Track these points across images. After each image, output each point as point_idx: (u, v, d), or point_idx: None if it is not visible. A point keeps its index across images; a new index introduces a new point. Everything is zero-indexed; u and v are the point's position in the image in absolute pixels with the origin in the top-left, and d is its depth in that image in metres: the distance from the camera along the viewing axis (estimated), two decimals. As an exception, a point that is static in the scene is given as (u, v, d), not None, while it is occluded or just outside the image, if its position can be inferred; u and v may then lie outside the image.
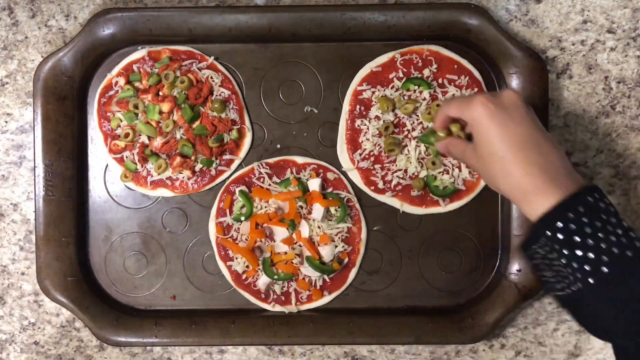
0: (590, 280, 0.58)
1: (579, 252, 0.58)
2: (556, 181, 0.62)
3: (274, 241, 0.85)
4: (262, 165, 0.86)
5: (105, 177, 0.87)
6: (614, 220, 0.60)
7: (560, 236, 0.59)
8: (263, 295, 0.85)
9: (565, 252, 0.59)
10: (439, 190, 0.84)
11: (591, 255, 0.58)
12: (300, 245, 0.84)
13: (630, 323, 0.58)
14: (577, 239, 0.59)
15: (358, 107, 0.85)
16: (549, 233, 0.60)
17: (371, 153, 0.85)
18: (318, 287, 0.85)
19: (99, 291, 0.87)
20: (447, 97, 0.82)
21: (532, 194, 0.62)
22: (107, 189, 0.87)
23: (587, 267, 0.58)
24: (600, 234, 0.58)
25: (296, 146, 0.86)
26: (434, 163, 0.83)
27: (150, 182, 0.85)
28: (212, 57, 0.85)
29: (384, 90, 0.84)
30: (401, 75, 0.84)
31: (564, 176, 0.62)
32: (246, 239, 0.85)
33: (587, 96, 0.86)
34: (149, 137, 0.85)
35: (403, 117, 0.84)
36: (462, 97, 0.70)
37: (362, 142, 0.85)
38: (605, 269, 0.57)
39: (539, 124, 0.66)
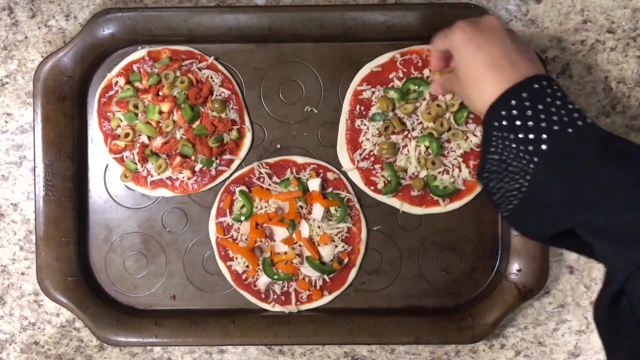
0: (535, 159, 0.59)
1: (520, 135, 0.60)
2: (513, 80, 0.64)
3: (274, 241, 0.85)
4: (262, 165, 0.86)
5: (105, 177, 0.87)
6: (559, 103, 0.61)
7: (504, 123, 0.61)
8: (263, 295, 0.85)
9: (511, 136, 0.61)
10: (439, 190, 0.84)
11: (531, 135, 0.59)
12: (300, 245, 0.84)
13: (578, 201, 0.57)
14: (518, 122, 0.60)
15: (358, 107, 0.85)
16: (495, 124, 0.62)
17: (371, 153, 0.85)
18: (318, 287, 0.85)
19: (99, 291, 0.87)
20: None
21: None
22: (107, 189, 0.87)
23: (530, 147, 0.59)
24: (542, 115, 0.59)
25: (296, 146, 0.86)
26: (433, 163, 0.83)
27: (150, 182, 0.85)
28: (212, 57, 0.85)
29: (390, 85, 0.84)
30: (401, 75, 0.84)
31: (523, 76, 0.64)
32: (246, 239, 0.85)
33: (587, 96, 0.86)
34: (149, 137, 0.85)
35: (403, 117, 0.84)
36: (444, 29, 0.72)
37: (362, 142, 0.85)
38: (544, 147, 0.58)
39: (518, 45, 0.67)
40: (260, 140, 0.87)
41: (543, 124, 0.59)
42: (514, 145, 0.61)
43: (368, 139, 0.84)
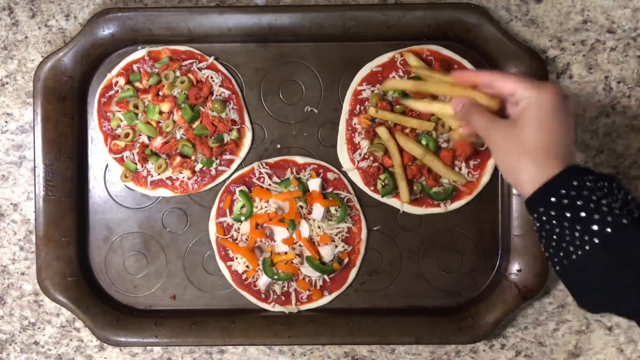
0: (596, 240, 0.58)
1: (582, 214, 0.58)
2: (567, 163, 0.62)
3: (274, 241, 0.85)
4: (262, 165, 0.86)
5: (105, 177, 0.87)
6: (610, 198, 0.60)
7: (565, 201, 0.59)
8: (263, 295, 0.85)
9: (568, 215, 0.59)
10: (439, 195, 0.84)
11: (596, 216, 0.58)
12: (300, 245, 0.84)
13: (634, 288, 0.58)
14: (580, 202, 0.59)
15: (358, 107, 0.85)
16: (553, 199, 0.60)
17: (370, 153, 0.85)
18: (318, 287, 0.85)
19: (99, 291, 0.87)
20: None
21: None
22: (107, 189, 0.87)
23: (594, 227, 0.58)
24: (603, 200, 0.58)
25: (296, 146, 0.86)
26: (436, 179, 0.83)
27: (150, 182, 0.85)
28: (212, 57, 0.85)
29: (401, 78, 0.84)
30: (401, 74, 0.84)
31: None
32: (246, 239, 0.85)
33: (588, 96, 0.86)
34: (149, 137, 0.84)
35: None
36: (525, 76, 0.68)
37: (358, 142, 0.85)
38: (609, 230, 0.57)
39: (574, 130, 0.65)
40: (260, 140, 0.87)
41: (605, 209, 0.58)
42: (568, 224, 0.60)
43: (363, 138, 0.84)
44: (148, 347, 0.88)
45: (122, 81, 0.85)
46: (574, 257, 0.59)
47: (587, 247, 0.58)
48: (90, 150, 0.87)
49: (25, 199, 0.88)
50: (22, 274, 0.88)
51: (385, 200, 0.85)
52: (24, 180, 0.88)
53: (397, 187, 0.84)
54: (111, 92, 0.85)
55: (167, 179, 0.85)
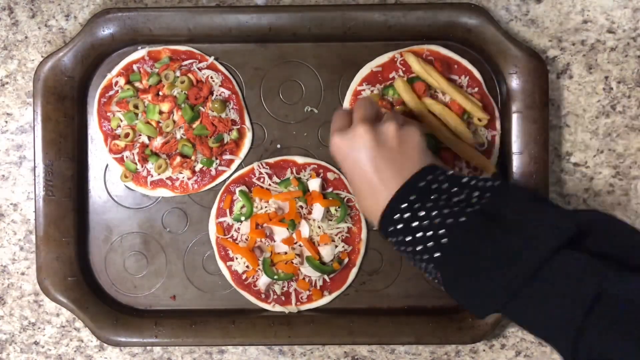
0: (437, 254, 0.59)
1: (418, 235, 0.60)
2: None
3: (274, 241, 0.85)
4: (262, 165, 0.86)
5: (105, 177, 0.87)
6: (445, 196, 0.62)
7: (399, 226, 0.62)
8: (263, 295, 0.85)
9: (408, 239, 0.61)
10: None
11: (429, 233, 0.59)
12: (300, 245, 0.84)
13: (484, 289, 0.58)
14: (415, 224, 0.61)
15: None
16: (391, 228, 0.63)
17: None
18: (318, 287, 0.85)
19: (99, 291, 0.87)
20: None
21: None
22: (107, 189, 0.87)
23: (429, 244, 0.59)
24: (433, 212, 0.60)
25: (296, 146, 0.86)
26: None
27: (150, 182, 0.85)
28: (212, 57, 0.85)
29: (389, 84, 0.84)
30: (401, 74, 0.84)
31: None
32: (246, 239, 0.85)
33: (587, 96, 0.86)
34: (149, 137, 0.85)
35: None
36: (348, 118, 0.72)
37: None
38: (444, 240, 0.59)
39: (389, 149, 0.67)
40: (261, 140, 0.87)
41: (436, 220, 0.60)
42: (411, 248, 0.62)
43: None
44: (148, 347, 0.88)
45: (122, 81, 0.85)
46: (436, 276, 0.61)
47: (434, 257, 0.60)
48: (90, 150, 0.87)
49: (25, 199, 0.88)
50: (22, 274, 0.88)
51: (385, 200, 0.85)
52: (24, 180, 0.88)
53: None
54: (111, 92, 0.85)
55: (167, 179, 0.85)
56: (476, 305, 0.60)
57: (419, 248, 0.61)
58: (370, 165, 0.66)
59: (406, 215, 0.62)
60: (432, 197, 0.62)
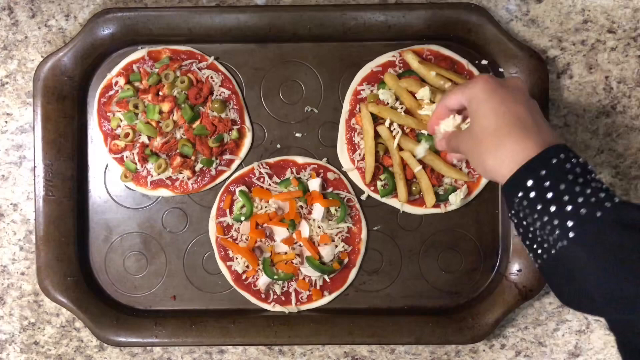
0: (571, 234, 0.55)
1: (545, 218, 0.57)
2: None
3: (274, 241, 0.85)
4: (262, 165, 0.86)
5: (105, 177, 0.87)
6: (581, 180, 0.58)
7: (524, 203, 0.58)
8: (263, 295, 0.85)
9: (535, 216, 0.58)
10: (442, 196, 0.84)
11: (556, 221, 0.56)
12: (300, 245, 0.84)
13: (610, 285, 0.55)
14: (539, 206, 0.57)
15: (358, 107, 0.85)
16: (516, 199, 0.59)
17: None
18: (318, 287, 0.85)
19: (99, 291, 0.87)
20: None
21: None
22: (107, 189, 0.87)
23: (569, 223, 0.56)
24: (565, 197, 0.56)
25: (296, 146, 0.86)
26: (438, 179, 0.84)
27: (150, 182, 0.85)
28: (212, 57, 0.85)
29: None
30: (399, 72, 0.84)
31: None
32: (246, 239, 0.85)
33: (588, 96, 0.86)
34: (149, 137, 0.84)
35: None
36: (461, 84, 0.68)
37: (357, 142, 0.85)
38: (571, 234, 0.55)
39: (542, 114, 0.64)
40: (261, 140, 0.87)
41: (568, 208, 0.56)
42: (538, 225, 0.58)
43: (363, 138, 0.84)
44: (148, 347, 0.88)
45: (122, 81, 0.85)
46: (553, 252, 0.57)
47: (564, 243, 0.56)
48: (90, 150, 0.87)
49: (25, 199, 0.88)
50: (22, 274, 0.88)
51: (385, 200, 0.85)
52: (24, 180, 0.88)
53: (397, 187, 0.84)
54: (111, 92, 0.85)
55: (167, 179, 0.85)
56: (585, 301, 0.57)
57: (552, 220, 0.56)
58: (524, 108, 0.61)
59: (532, 194, 0.57)
60: (564, 179, 0.57)
